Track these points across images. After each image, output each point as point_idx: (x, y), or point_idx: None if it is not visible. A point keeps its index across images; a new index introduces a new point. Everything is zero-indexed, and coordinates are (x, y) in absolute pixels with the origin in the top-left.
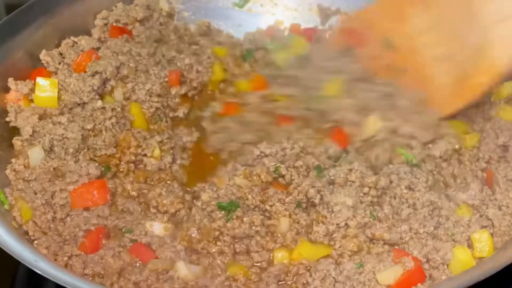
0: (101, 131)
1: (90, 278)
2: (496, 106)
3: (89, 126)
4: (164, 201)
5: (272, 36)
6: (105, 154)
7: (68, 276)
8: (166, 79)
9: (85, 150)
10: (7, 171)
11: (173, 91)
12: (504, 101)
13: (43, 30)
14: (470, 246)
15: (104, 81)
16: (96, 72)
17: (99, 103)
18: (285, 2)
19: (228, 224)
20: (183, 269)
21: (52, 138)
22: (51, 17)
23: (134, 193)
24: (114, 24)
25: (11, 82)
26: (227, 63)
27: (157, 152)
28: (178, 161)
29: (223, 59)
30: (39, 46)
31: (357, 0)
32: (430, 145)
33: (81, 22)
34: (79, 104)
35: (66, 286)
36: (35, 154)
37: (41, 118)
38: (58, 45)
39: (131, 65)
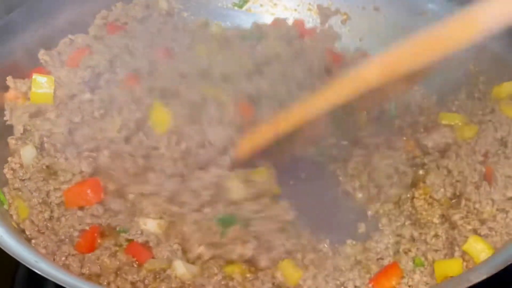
0: (89, 124)
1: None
2: (499, 102)
3: (76, 119)
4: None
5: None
6: (87, 148)
7: (69, 276)
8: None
9: (72, 146)
10: (5, 170)
11: None
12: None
13: (43, 30)
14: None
15: (98, 75)
16: (89, 66)
17: (87, 95)
18: (285, 2)
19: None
20: (180, 268)
21: (41, 134)
22: (51, 17)
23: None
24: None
25: (9, 80)
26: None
27: None
28: None
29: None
30: (39, 46)
31: (357, 0)
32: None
33: (81, 22)
34: (71, 98)
35: (66, 287)
36: (27, 153)
37: (33, 116)
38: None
39: (124, 57)
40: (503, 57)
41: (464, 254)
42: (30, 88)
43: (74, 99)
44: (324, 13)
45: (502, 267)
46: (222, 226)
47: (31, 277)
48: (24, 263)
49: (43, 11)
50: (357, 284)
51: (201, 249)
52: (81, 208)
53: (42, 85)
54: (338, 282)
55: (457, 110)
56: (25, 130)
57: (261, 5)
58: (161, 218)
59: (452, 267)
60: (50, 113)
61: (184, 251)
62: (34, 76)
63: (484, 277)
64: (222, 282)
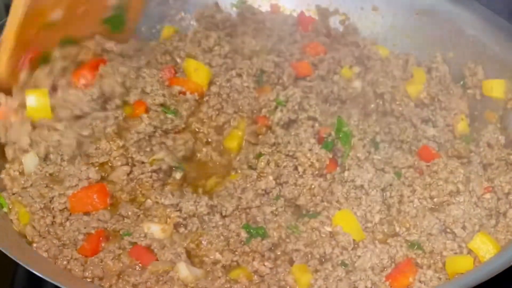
0: (99, 139)
1: (90, 280)
2: None
3: (85, 133)
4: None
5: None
6: (97, 162)
7: (69, 278)
8: (160, 75)
9: (79, 157)
10: (2, 175)
11: (174, 90)
12: None
13: None
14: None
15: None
16: (103, 94)
17: (100, 114)
18: (283, 2)
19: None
20: (183, 270)
21: (47, 145)
22: None
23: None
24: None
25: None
26: None
27: None
28: None
29: None
30: None
31: (355, 0)
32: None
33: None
34: (83, 116)
35: None
36: (29, 161)
37: (34, 127)
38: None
39: (132, 76)
40: None
41: (471, 251)
42: (21, 104)
43: (87, 117)
44: (323, 13)
45: (504, 268)
46: (249, 234)
47: (31, 278)
48: (24, 266)
49: None
50: (369, 284)
51: (218, 255)
52: (87, 213)
53: (36, 100)
54: (349, 281)
55: None
56: (31, 141)
57: (259, 6)
58: (165, 223)
59: (463, 263)
60: (59, 124)
61: (194, 255)
62: (26, 93)
63: (492, 275)
64: (226, 285)
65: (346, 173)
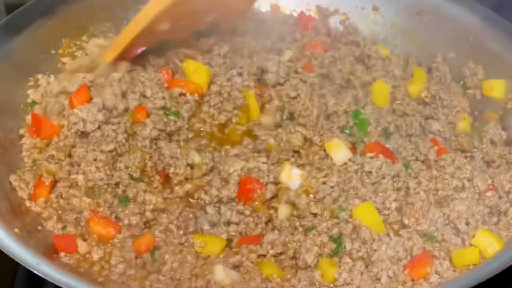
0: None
1: None
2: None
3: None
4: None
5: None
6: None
7: (70, 278)
8: (158, 78)
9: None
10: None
11: (175, 92)
12: None
13: (43, 30)
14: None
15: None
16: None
17: (109, 126)
18: (283, 3)
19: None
20: (220, 273)
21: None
22: (52, 17)
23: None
24: None
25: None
26: None
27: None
28: None
29: None
30: (40, 46)
31: (356, 0)
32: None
33: (81, 23)
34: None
35: None
36: None
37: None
38: (59, 46)
39: (126, 79)
40: None
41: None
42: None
43: (97, 131)
44: (323, 13)
45: (505, 266)
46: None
47: (31, 278)
48: (25, 266)
49: (44, 12)
50: (391, 274)
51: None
52: None
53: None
54: (371, 274)
55: None
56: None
57: (259, 6)
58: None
59: (469, 255)
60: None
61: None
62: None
63: (488, 277)
64: (262, 285)
65: (359, 158)
